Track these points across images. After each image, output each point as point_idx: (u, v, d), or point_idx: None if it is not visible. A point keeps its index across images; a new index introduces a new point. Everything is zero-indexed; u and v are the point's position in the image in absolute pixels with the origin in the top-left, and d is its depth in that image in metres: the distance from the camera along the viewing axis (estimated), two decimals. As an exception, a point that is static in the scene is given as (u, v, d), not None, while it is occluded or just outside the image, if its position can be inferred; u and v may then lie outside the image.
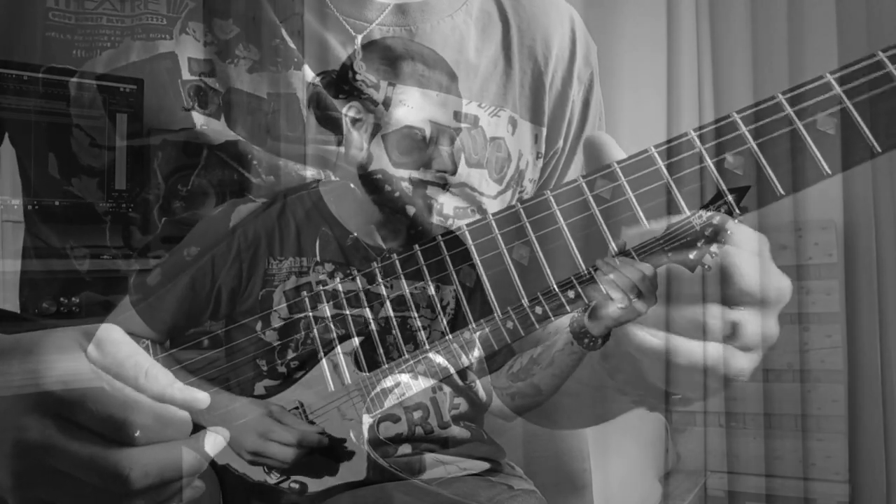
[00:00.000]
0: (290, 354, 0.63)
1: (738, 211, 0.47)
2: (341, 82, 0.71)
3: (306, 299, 0.61)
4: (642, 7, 2.36)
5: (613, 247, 0.49)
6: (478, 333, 0.62)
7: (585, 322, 0.59)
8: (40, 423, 0.46)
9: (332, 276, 0.62)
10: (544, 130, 0.83)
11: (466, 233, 0.52)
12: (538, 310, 0.57)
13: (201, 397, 0.50)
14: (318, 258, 0.66)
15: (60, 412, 0.46)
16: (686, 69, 2.28)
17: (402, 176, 0.71)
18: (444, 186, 0.73)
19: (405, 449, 0.69)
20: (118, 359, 0.48)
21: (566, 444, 1.07)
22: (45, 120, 0.65)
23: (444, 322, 0.58)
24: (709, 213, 0.47)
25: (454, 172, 0.74)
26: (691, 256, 0.48)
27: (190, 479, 0.49)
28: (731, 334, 0.50)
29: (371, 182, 0.69)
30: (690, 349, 0.51)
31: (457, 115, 0.75)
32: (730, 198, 0.46)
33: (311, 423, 0.63)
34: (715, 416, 2.37)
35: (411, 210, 0.70)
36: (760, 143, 0.46)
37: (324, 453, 0.62)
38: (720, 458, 2.34)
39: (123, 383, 0.48)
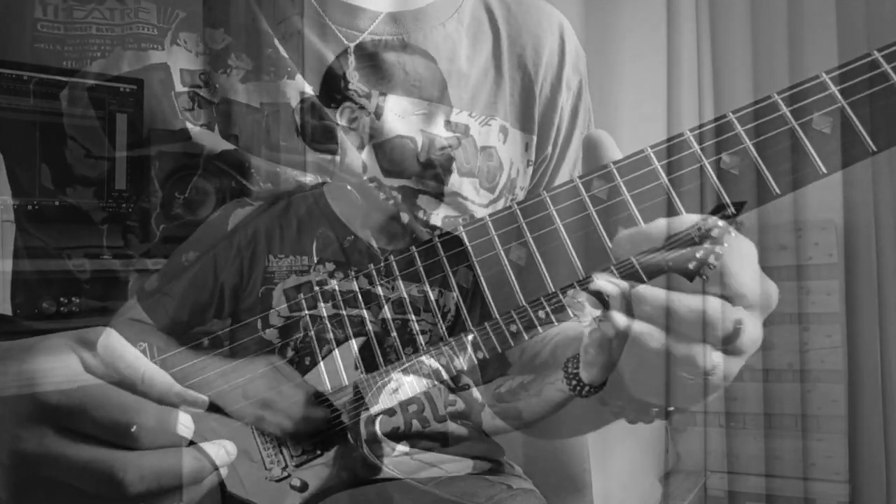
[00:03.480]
0: (290, 353, 0.63)
1: (737, 222, 0.47)
2: (333, 91, 0.71)
3: (305, 298, 0.62)
4: (642, 8, 2.36)
5: (613, 256, 0.49)
6: (479, 336, 0.62)
7: (580, 365, 0.58)
8: (36, 432, 0.46)
9: (332, 275, 0.62)
10: (534, 139, 0.83)
11: (463, 234, 0.52)
12: (541, 313, 0.57)
13: (200, 400, 0.50)
14: (315, 258, 0.67)
15: (57, 419, 0.46)
16: (686, 70, 2.28)
17: (392, 185, 0.71)
18: (436, 196, 0.74)
19: (403, 448, 0.69)
20: (115, 365, 0.48)
21: (566, 444, 1.07)
22: (38, 131, 0.65)
23: (444, 328, 0.58)
24: (707, 225, 0.47)
25: (446, 182, 0.74)
26: (690, 266, 0.48)
27: (192, 487, 0.49)
28: (733, 333, 0.49)
29: (365, 191, 0.69)
30: (690, 350, 0.49)
31: (448, 125, 0.75)
32: (731, 209, 0.47)
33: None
34: (715, 416, 2.37)
35: (405, 217, 0.70)
36: (756, 142, 0.46)
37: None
38: (720, 458, 2.34)
39: (121, 388, 0.48)
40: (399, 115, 0.73)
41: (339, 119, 0.71)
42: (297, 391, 0.60)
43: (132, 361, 0.49)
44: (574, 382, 0.60)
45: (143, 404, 0.48)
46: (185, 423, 0.49)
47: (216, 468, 0.50)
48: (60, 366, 0.47)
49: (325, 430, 0.63)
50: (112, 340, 0.50)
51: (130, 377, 0.48)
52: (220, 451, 0.51)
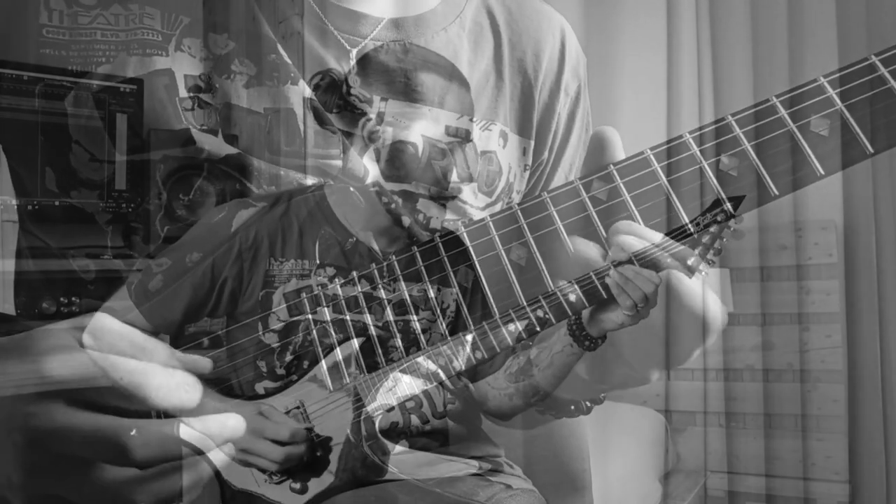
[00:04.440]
0: (289, 356, 0.64)
1: (735, 218, 0.48)
2: (335, 96, 0.72)
3: (306, 301, 0.62)
4: (642, 6, 2.37)
5: (611, 252, 0.50)
6: (478, 336, 0.62)
7: (586, 325, 0.59)
8: (47, 407, 0.47)
9: (332, 279, 0.63)
10: (532, 143, 0.84)
11: (464, 234, 0.52)
12: (539, 312, 0.57)
13: (203, 363, 0.52)
14: (318, 261, 0.67)
15: (68, 392, 0.47)
16: (686, 69, 2.28)
17: (393, 189, 0.72)
18: (435, 199, 0.74)
19: (402, 447, 0.69)
20: (113, 343, 0.50)
21: (566, 444, 1.07)
22: (42, 135, 0.65)
23: (444, 325, 0.59)
24: (706, 222, 0.48)
25: (446, 186, 0.74)
26: (690, 262, 0.48)
27: (192, 460, 0.50)
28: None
29: (368, 194, 0.70)
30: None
31: (448, 130, 0.76)
32: (728, 205, 0.47)
33: (310, 423, 0.63)
34: (715, 416, 2.37)
35: (406, 221, 0.71)
36: (755, 144, 0.46)
37: (314, 456, 0.63)
38: (720, 458, 2.34)
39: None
40: (400, 120, 0.73)
41: (341, 124, 0.71)
42: (274, 448, 0.60)
43: (131, 336, 0.50)
44: (588, 343, 0.61)
45: (152, 366, 0.50)
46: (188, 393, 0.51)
47: (200, 453, 0.51)
48: (67, 359, 0.48)
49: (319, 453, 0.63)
50: (106, 322, 0.51)
51: (130, 350, 0.49)
52: (228, 422, 0.52)
